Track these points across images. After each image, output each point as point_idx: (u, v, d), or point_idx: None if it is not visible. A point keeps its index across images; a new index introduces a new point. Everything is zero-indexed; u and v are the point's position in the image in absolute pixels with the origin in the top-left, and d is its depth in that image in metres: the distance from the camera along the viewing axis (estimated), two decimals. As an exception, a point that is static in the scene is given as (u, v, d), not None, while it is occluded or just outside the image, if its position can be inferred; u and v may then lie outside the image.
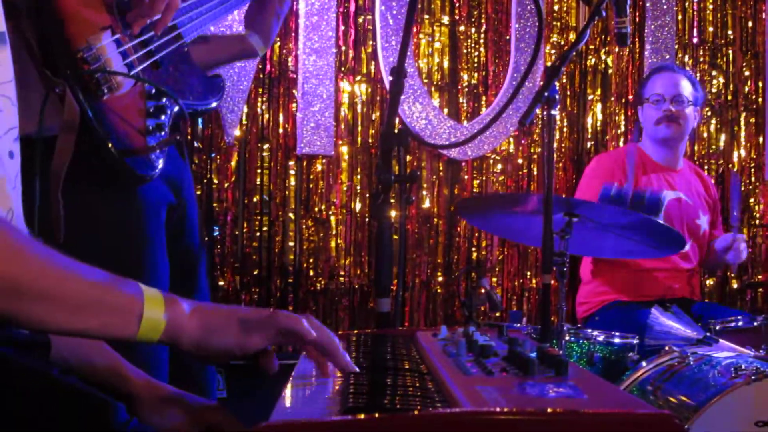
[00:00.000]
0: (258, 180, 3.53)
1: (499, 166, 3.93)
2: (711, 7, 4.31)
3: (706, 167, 4.19)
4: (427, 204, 3.80)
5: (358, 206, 3.67)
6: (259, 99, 3.53)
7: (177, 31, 1.92)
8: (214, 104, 2.04)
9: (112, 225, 1.80)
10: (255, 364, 1.16)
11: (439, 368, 1.14)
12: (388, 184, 1.84)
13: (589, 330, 2.67)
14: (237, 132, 3.46)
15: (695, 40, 4.28)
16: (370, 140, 3.69)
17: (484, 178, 3.90)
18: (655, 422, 0.86)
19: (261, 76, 3.52)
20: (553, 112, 2.12)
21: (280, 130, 3.56)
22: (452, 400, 0.97)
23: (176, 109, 1.84)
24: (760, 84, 4.37)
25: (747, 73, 4.37)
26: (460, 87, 3.86)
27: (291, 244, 3.56)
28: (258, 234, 3.53)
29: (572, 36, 4.03)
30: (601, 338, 2.60)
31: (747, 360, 2.27)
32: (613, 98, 4.14)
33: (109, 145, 1.68)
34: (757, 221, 4.35)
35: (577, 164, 4.06)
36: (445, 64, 3.85)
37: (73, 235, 1.61)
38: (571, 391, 0.97)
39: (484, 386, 1.00)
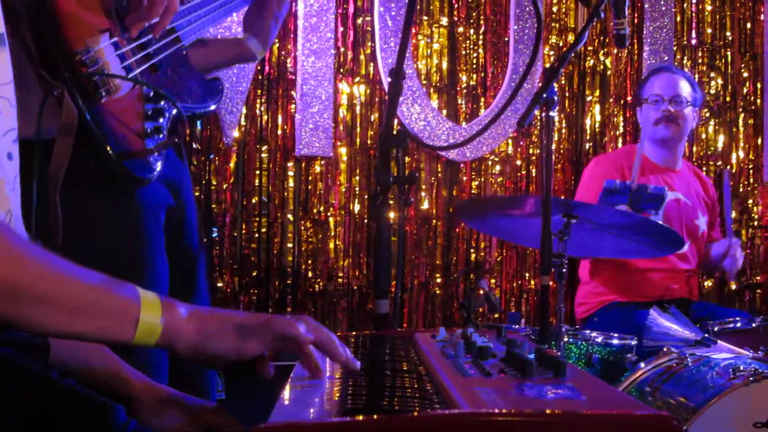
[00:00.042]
0: (257, 181, 3.53)
1: (498, 168, 3.93)
2: (709, 8, 4.31)
3: (704, 168, 4.19)
4: (425, 205, 3.80)
5: (356, 207, 3.67)
6: (258, 100, 3.53)
7: (175, 34, 1.92)
8: (212, 107, 2.04)
9: (110, 228, 1.80)
10: (251, 370, 1.16)
11: (438, 370, 1.14)
12: (386, 186, 1.83)
13: (588, 331, 2.68)
14: (236, 133, 3.45)
15: (694, 41, 4.29)
16: (368, 141, 3.69)
17: (482, 180, 3.91)
18: (654, 423, 0.86)
19: (260, 77, 3.51)
20: (551, 113, 2.12)
21: (279, 132, 3.55)
22: (451, 401, 0.97)
23: (174, 112, 1.84)
24: (759, 85, 4.38)
25: (745, 75, 4.37)
26: (458, 88, 3.86)
27: (290, 245, 3.56)
28: (257, 235, 3.53)
29: (571, 37, 4.03)
30: (599, 339, 2.60)
31: (745, 361, 2.27)
32: (611, 99, 4.14)
33: (108, 147, 1.68)
34: (756, 222, 4.35)
35: (575, 165, 4.06)
36: (444, 65, 3.85)
37: (71, 238, 1.61)
38: (570, 393, 0.97)
39: (483, 387, 1.00)
